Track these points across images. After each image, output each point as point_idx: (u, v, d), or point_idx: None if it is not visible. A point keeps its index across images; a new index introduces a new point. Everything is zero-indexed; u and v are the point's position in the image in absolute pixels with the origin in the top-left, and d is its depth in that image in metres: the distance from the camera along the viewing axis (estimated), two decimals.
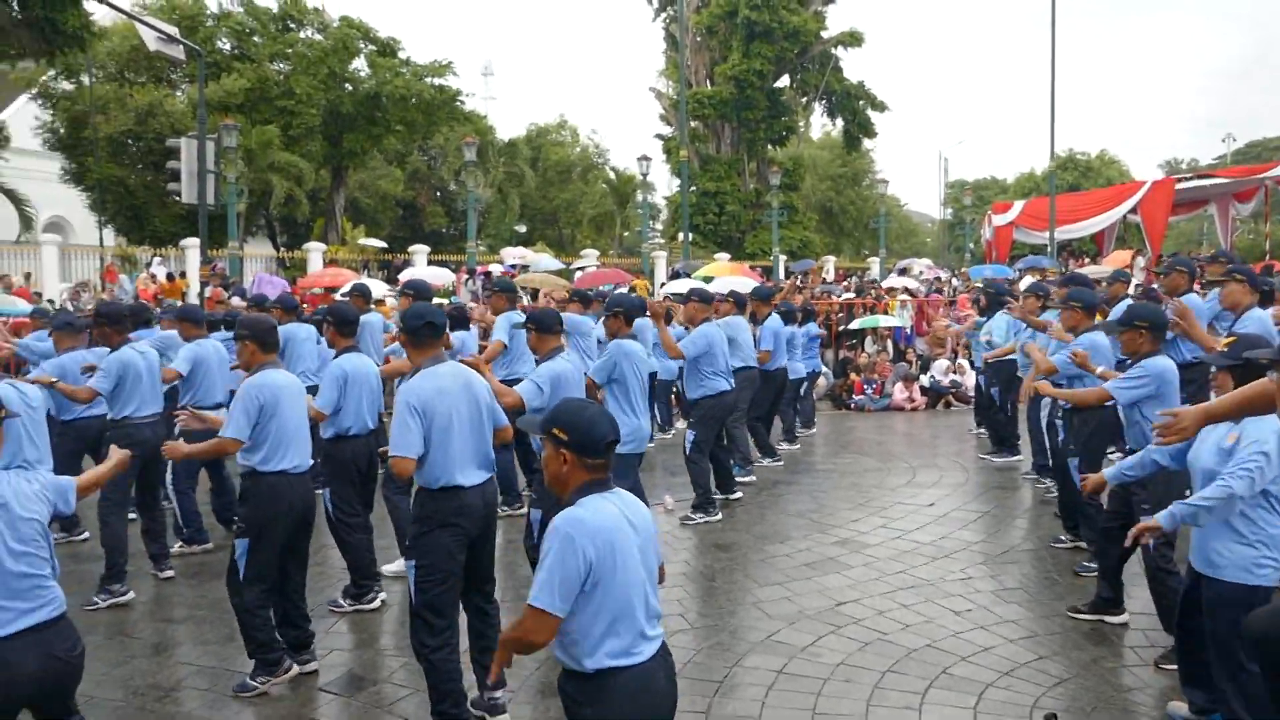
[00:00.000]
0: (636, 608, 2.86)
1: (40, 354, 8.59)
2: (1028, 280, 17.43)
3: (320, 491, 6.12)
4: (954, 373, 15.43)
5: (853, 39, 36.19)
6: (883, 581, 6.71)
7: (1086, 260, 27.50)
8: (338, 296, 17.00)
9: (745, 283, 14.95)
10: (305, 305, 14.74)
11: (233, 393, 5.39)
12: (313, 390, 6.74)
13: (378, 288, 16.09)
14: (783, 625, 5.91)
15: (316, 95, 31.66)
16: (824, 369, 15.07)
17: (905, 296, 19.09)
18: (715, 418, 8.62)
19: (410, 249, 28.60)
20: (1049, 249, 26.92)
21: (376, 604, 6.31)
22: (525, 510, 7.96)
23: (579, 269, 24.09)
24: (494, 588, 4.88)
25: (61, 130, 30.54)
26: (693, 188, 32.97)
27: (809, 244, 36.93)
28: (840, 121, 38.57)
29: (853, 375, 15.71)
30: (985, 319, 10.95)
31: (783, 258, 31.18)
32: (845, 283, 24.61)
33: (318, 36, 33.50)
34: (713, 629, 5.92)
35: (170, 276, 21.76)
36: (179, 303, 16.03)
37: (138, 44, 27.33)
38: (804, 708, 4.82)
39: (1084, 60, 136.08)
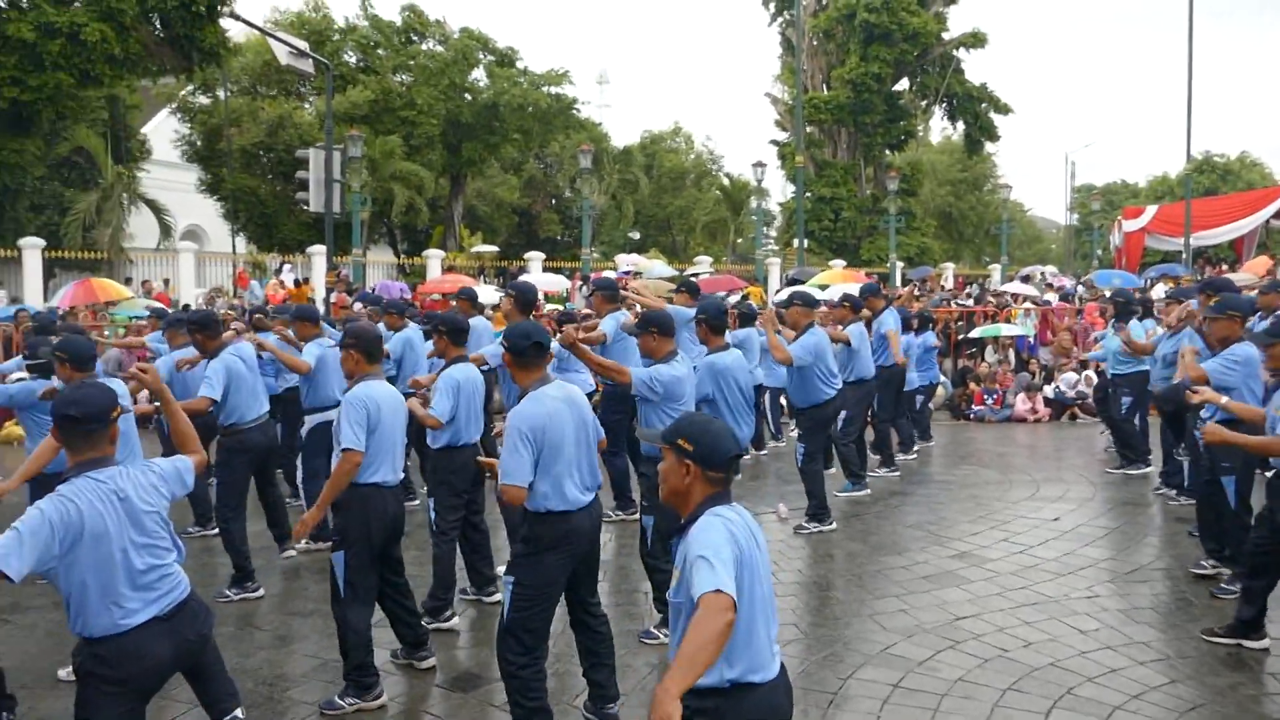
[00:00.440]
0: (764, 625, 2.84)
1: (162, 352, 8.96)
2: (1160, 288, 16.76)
3: (413, 500, 6.08)
4: (1084, 384, 14.88)
5: (975, 40, 35.35)
6: (1004, 597, 6.50)
7: (1224, 268, 26.27)
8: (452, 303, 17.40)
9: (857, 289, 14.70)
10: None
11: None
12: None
13: (491, 294, 16.38)
14: (899, 638, 5.78)
15: (437, 105, 32.45)
16: (942, 379, 14.72)
17: (1029, 305, 18.52)
18: (821, 426, 8.48)
19: (525, 256, 29.04)
20: (1183, 256, 25.84)
21: (453, 623, 6.12)
22: (638, 515, 7.98)
23: (692, 275, 24.08)
24: (598, 602, 4.74)
25: (198, 143, 32.04)
26: (808, 193, 32.64)
27: (927, 250, 36.19)
28: (961, 125, 37.70)
29: (972, 385, 15.31)
30: (1111, 327, 10.57)
31: (900, 264, 30.61)
32: (966, 290, 24.05)
33: (439, 48, 34.34)
34: (826, 640, 5.83)
35: (296, 282, 22.54)
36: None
37: (269, 59, 28.50)
38: None
39: (1224, 57, 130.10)
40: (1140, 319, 10.34)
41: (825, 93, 36.09)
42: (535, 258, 28.22)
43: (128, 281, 23.68)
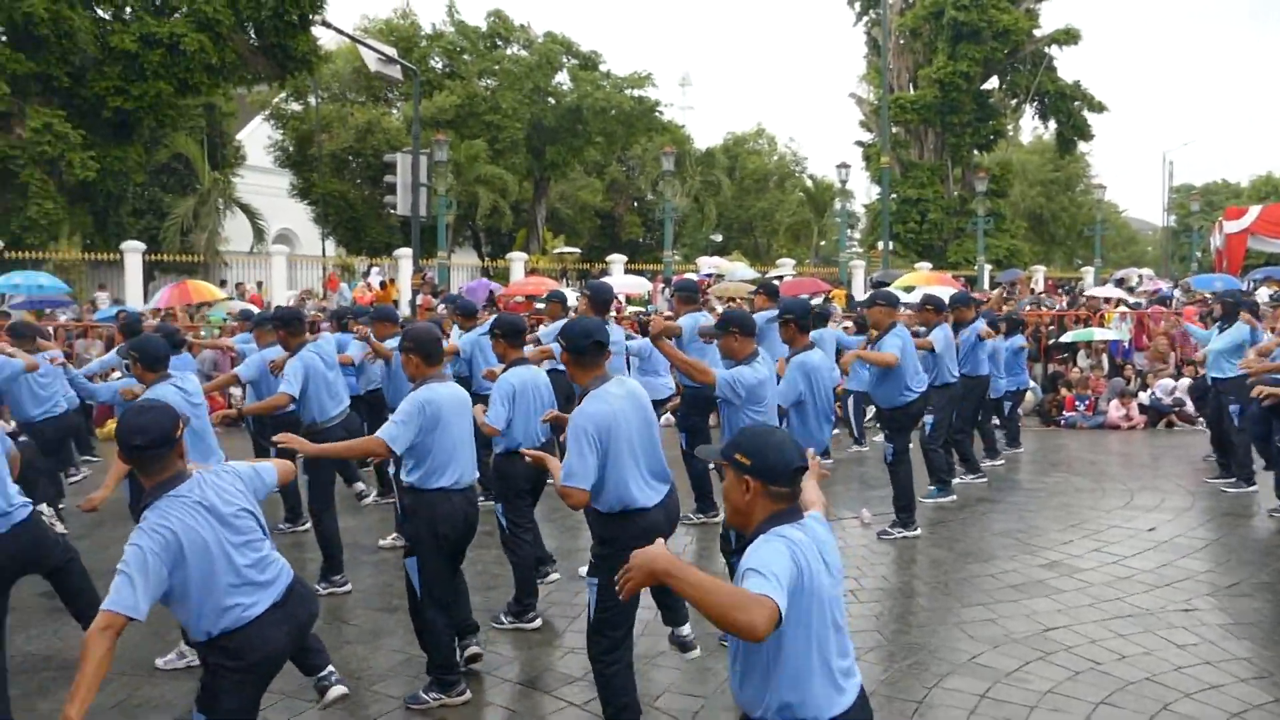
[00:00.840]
0: (830, 656, 2.66)
1: (248, 352, 9.19)
2: (1264, 292, 16.14)
3: (490, 504, 6.11)
4: (1181, 391, 14.39)
5: (1068, 37, 34.50)
6: (1096, 608, 6.30)
7: None
8: (539, 305, 17.55)
9: (945, 291, 14.43)
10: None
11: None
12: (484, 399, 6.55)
13: (572, 297, 16.46)
14: (986, 648, 5.64)
15: (521, 109, 32.83)
16: (1032, 384, 14.36)
17: (1124, 308, 17.97)
18: (906, 427, 8.34)
19: (608, 258, 29.18)
20: None
21: (538, 624, 6.10)
22: (720, 517, 7.94)
23: (776, 278, 23.94)
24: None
25: (290, 148, 32.92)
26: (893, 195, 32.22)
27: (1017, 253, 35.44)
28: (1053, 124, 36.83)
29: (1063, 391, 14.91)
30: (1217, 329, 10.17)
31: (988, 267, 30.00)
32: (1060, 290, 23.45)
33: (523, 53, 34.75)
34: (911, 647, 5.71)
35: (382, 284, 22.98)
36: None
37: (359, 65, 29.19)
38: None
39: None
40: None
41: (912, 92, 35.59)
42: (617, 260, 28.33)
43: (223, 284, 24.42)
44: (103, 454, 12.59)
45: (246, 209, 29.68)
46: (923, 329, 9.73)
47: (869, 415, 12.78)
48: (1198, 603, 6.40)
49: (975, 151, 36.64)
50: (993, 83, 36.24)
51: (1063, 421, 14.53)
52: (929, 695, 5.03)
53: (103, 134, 23.06)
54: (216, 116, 30.69)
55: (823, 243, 49.91)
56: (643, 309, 18.80)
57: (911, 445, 8.37)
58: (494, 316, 7.38)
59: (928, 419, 8.88)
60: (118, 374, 8.69)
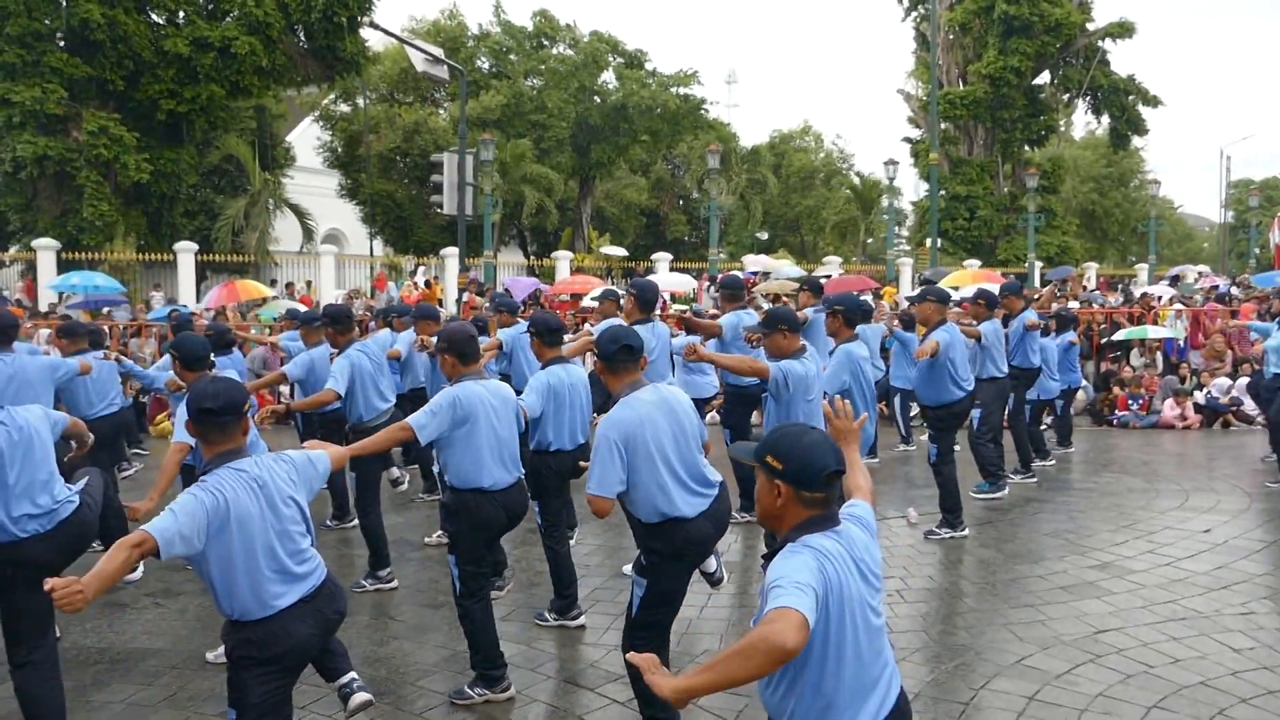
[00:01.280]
0: (864, 668, 2.57)
1: (295, 351, 9.26)
2: None
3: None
4: (1238, 391, 14.07)
5: (1122, 30, 33.89)
6: (1149, 611, 6.17)
7: None
8: (587, 302, 17.60)
9: (995, 289, 14.23)
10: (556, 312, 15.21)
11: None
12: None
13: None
14: (1035, 650, 5.55)
15: (567, 108, 32.94)
16: (1083, 383, 14.12)
17: (1180, 306, 17.61)
18: (951, 427, 8.23)
19: (653, 257, 29.18)
20: None
21: (581, 620, 6.09)
22: None
23: (823, 276, 23.79)
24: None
25: (339, 149, 33.33)
26: (942, 192, 31.85)
27: (1068, 250, 34.88)
28: (1106, 119, 36.20)
29: (1116, 390, 14.65)
30: (1277, 324, 9.95)
31: (1038, 264, 29.57)
32: (1111, 290, 23.06)
33: (569, 52, 34.85)
34: (958, 649, 5.63)
35: (427, 283, 23.16)
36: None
37: (406, 66, 29.45)
38: None
39: None
40: None
41: (961, 88, 35.18)
42: (662, 258, 28.31)
43: (273, 283, 24.76)
44: (150, 449, 12.83)
45: (296, 209, 30.07)
46: (973, 324, 9.62)
47: (914, 413, 12.63)
48: (1255, 606, 6.25)
49: (1026, 147, 36.12)
50: (1044, 77, 35.69)
51: (1115, 421, 14.27)
52: (976, 697, 4.96)
53: (156, 136, 23.51)
54: (267, 118, 31.13)
55: (870, 240, 49.52)
56: (688, 307, 18.76)
57: (960, 446, 8.26)
58: (531, 315, 7.36)
59: (975, 413, 8.77)
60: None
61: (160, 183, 23.75)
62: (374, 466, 7.11)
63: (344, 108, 33.75)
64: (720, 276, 12.50)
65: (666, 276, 23.84)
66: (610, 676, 5.30)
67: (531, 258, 34.45)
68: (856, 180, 48.37)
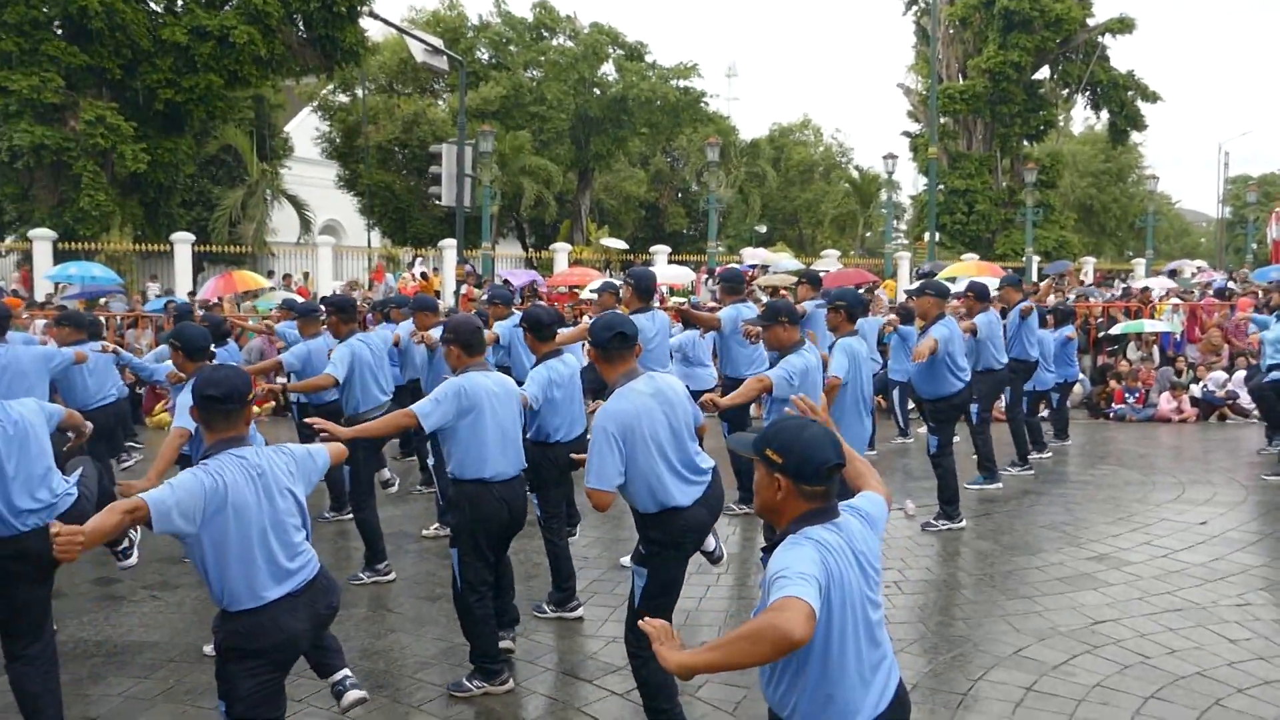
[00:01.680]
0: (862, 661, 2.58)
1: (293, 340, 9.25)
2: None
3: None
4: (1234, 384, 14.10)
5: (1122, 25, 33.84)
6: (1145, 602, 6.19)
7: None
8: (585, 294, 17.59)
9: (991, 282, 14.22)
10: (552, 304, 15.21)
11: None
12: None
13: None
14: (1032, 641, 5.56)
15: (566, 100, 32.87)
16: (1080, 376, 14.12)
17: (1177, 300, 17.63)
18: (950, 419, 8.24)
19: (651, 249, 29.14)
20: None
21: (579, 613, 6.08)
22: None
23: (821, 270, 23.77)
24: None
25: (337, 140, 33.27)
26: (940, 186, 31.83)
27: (1066, 244, 34.88)
28: (1105, 114, 36.16)
29: (1112, 383, 14.67)
30: (1275, 318, 9.99)
31: (1036, 259, 29.58)
32: (1109, 285, 23.07)
33: (569, 43, 34.79)
34: (955, 640, 5.65)
35: (424, 275, 23.12)
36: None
37: (405, 57, 29.37)
38: None
39: None
40: None
41: (961, 82, 35.12)
42: (661, 251, 28.29)
43: (270, 274, 24.71)
44: (146, 440, 12.81)
45: (294, 200, 30.00)
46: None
47: (912, 406, 12.64)
48: (1251, 597, 6.26)
49: (1025, 142, 36.09)
50: (1044, 72, 35.64)
51: (1112, 414, 14.29)
52: (974, 688, 4.97)
53: (153, 126, 23.44)
54: (265, 108, 31.04)
55: (868, 234, 49.48)
56: (685, 299, 18.75)
57: (959, 439, 8.27)
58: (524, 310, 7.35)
59: (974, 407, 8.79)
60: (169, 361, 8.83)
61: (157, 173, 23.68)
62: (369, 461, 7.08)
63: (343, 98, 33.66)
64: (720, 269, 12.51)
65: (665, 269, 23.79)
66: (609, 668, 5.30)
67: (530, 250, 34.39)
68: (855, 174, 48.31)
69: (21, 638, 4.28)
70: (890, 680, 2.64)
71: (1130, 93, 34.89)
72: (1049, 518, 8.41)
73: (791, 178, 46.13)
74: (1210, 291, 19.82)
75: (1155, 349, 15.86)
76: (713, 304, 14.62)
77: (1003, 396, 10.31)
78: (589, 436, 4.21)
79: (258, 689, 3.49)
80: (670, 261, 27.27)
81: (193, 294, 17.92)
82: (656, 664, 4.21)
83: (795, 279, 11.83)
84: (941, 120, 33.31)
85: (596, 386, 6.62)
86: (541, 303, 12.07)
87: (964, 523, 8.05)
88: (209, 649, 5.50)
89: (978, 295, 9.37)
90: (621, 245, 31.87)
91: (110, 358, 8.69)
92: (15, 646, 4.28)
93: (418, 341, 8.12)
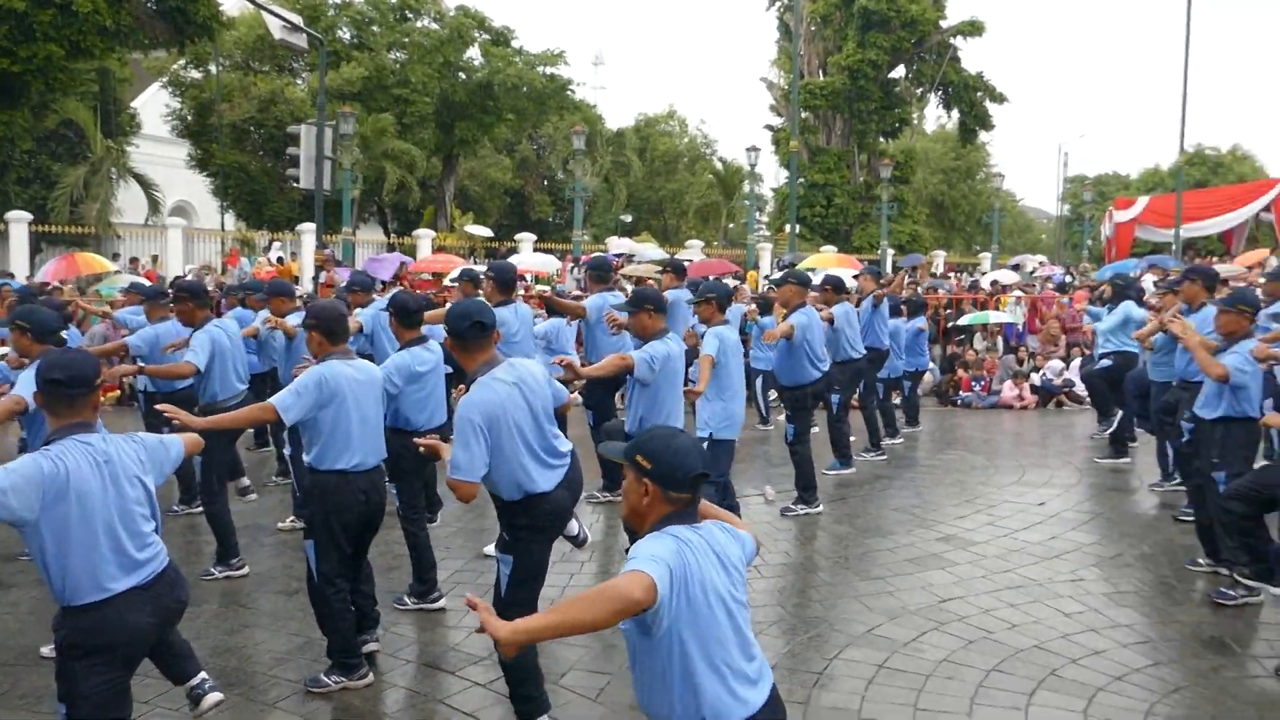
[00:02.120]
0: (733, 658, 2.63)
1: (136, 325, 8.88)
2: (1148, 279, 16.80)
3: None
4: (1070, 372, 14.92)
5: (973, 28, 35.23)
6: (988, 580, 6.52)
7: (1214, 259, 26.34)
8: (447, 281, 17.34)
9: (848, 274, 14.69)
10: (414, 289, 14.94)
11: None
12: None
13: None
14: (884, 620, 5.80)
15: (431, 84, 32.25)
16: (930, 365, 14.72)
17: (1019, 293, 18.54)
18: (807, 407, 8.48)
19: (516, 237, 28.95)
20: (1173, 247, 25.91)
21: (441, 604, 6.05)
22: None
23: (686, 260, 24.04)
24: None
25: (189, 117, 31.82)
26: (801, 179, 32.58)
27: (919, 238, 36.23)
28: (956, 113, 37.60)
29: (960, 371, 15.33)
30: (1106, 310, 10.64)
31: (890, 251, 30.62)
32: (956, 277, 24.06)
33: (434, 26, 34.11)
34: (812, 621, 5.84)
35: (280, 260, 22.43)
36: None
37: (263, 33, 28.29)
38: (905, 703, 4.71)
39: (1218, 50, 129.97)
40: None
41: (821, 78, 35.99)
42: (526, 239, 28.15)
43: (115, 257, 23.56)
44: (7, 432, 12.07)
45: (141, 179, 28.61)
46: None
47: (773, 395, 12.95)
48: (1083, 573, 6.67)
49: (881, 138, 37.26)
50: (899, 71, 36.83)
51: (959, 401, 14.94)
52: (829, 667, 5.15)
53: None
54: (110, 82, 29.44)
55: (731, 225, 50.25)
56: (549, 288, 18.71)
57: (817, 428, 8.52)
58: (390, 294, 7.24)
59: (834, 398, 9.10)
60: (4, 348, 8.32)
61: None
62: (222, 453, 6.83)
63: (195, 74, 32.20)
64: (588, 258, 12.51)
65: (530, 257, 23.69)
66: (472, 659, 5.29)
67: (393, 235, 33.67)
68: (719, 166, 48.99)
69: None
70: (764, 682, 2.70)
71: (979, 94, 36.37)
72: (900, 501, 8.76)
73: (656, 168, 46.45)
74: (1050, 285, 20.93)
75: (999, 339, 16.66)
76: (578, 292, 14.65)
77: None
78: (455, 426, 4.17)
79: (102, 687, 3.36)
80: (536, 249, 27.17)
81: (30, 277, 16.91)
82: (524, 657, 4.23)
83: (660, 269, 11.95)
84: (802, 115, 34.09)
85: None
86: (405, 290, 11.86)
87: (820, 507, 8.30)
88: (47, 650, 5.23)
89: (835, 288, 9.73)
90: (486, 232, 31.54)
91: None
92: None
93: (271, 328, 7.87)
